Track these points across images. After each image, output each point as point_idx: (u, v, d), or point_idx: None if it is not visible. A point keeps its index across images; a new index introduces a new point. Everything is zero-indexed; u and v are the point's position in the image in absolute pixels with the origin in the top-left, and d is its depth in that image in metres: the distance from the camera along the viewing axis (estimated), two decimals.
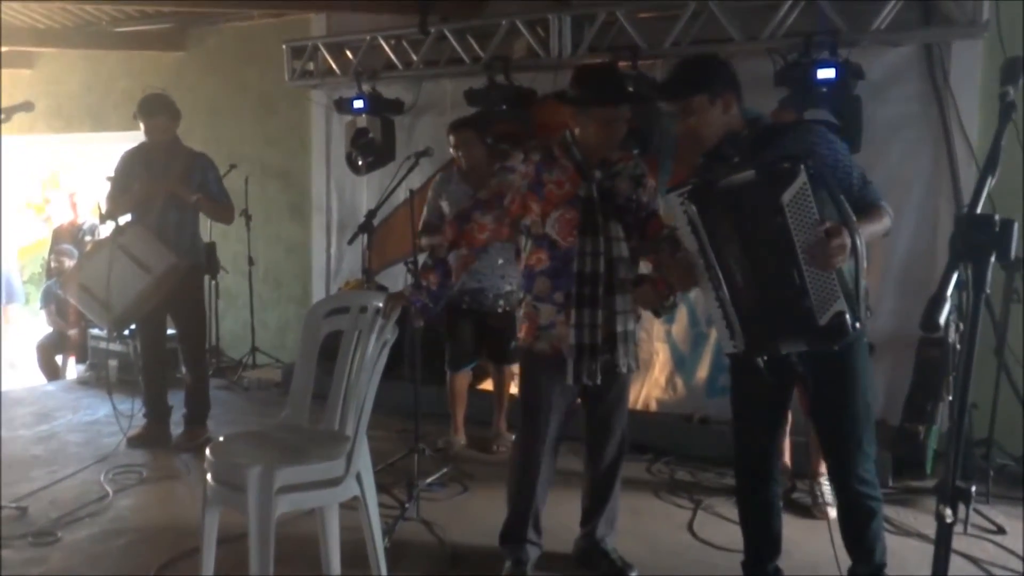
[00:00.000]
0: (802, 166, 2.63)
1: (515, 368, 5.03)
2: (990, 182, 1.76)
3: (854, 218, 2.67)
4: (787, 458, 4.66)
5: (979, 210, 1.70)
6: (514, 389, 5.34)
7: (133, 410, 5.31)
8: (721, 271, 2.84)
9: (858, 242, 2.66)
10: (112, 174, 5.35)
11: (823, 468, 4.45)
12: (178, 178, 5.20)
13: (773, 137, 2.91)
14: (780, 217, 2.66)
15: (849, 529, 3.13)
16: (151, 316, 5.28)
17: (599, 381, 3.32)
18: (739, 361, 3.07)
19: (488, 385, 5.71)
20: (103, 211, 5.30)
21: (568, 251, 3.28)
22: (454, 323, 5.22)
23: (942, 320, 1.61)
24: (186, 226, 5.33)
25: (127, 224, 5.18)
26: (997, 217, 1.65)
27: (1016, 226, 1.63)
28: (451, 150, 5.25)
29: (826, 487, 4.41)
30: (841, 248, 2.62)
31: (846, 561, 3.20)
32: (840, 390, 3.01)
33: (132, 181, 5.20)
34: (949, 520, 1.65)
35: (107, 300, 4.89)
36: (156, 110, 5.22)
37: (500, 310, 5.15)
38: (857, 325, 2.72)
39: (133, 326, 5.58)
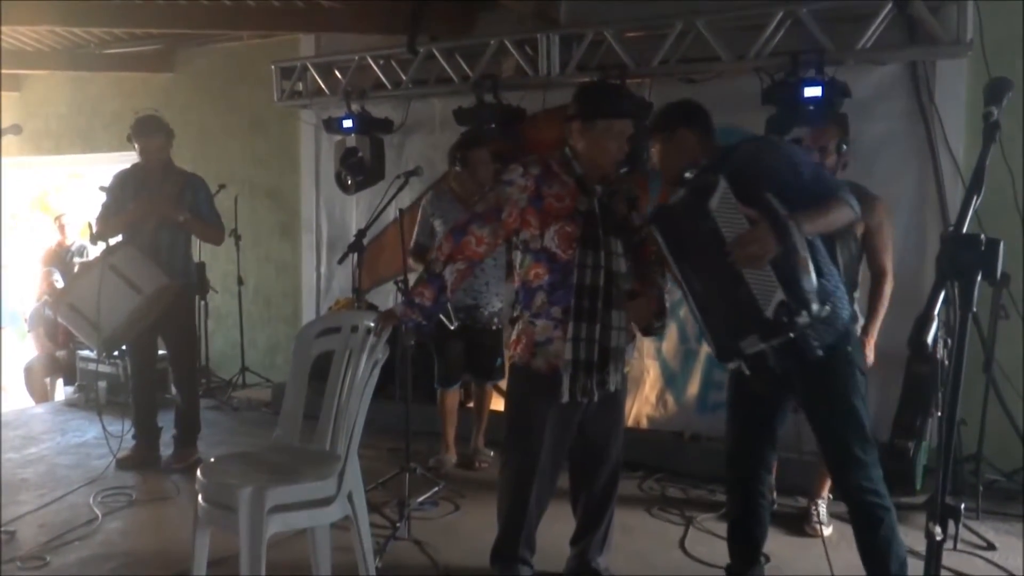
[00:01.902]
0: (721, 176, 2.85)
1: (500, 384, 5.05)
2: (975, 201, 1.78)
3: (783, 213, 2.80)
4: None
5: (965, 229, 1.72)
6: (495, 406, 5.36)
7: (123, 431, 5.28)
8: (685, 283, 3.05)
9: (791, 235, 2.78)
10: (105, 193, 5.34)
11: (825, 490, 4.48)
12: (169, 198, 5.19)
13: (724, 157, 3.10)
14: (711, 223, 2.86)
15: (860, 541, 3.18)
16: (142, 337, 5.25)
17: (596, 398, 3.31)
18: (733, 372, 3.23)
19: None
20: (94, 231, 5.28)
21: (567, 264, 3.26)
22: (444, 340, 5.21)
23: (929, 339, 1.62)
24: (178, 247, 5.33)
25: (117, 244, 5.15)
26: (983, 236, 1.66)
27: (1002, 245, 1.65)
28: (456, 167, 5.20)
29: (823, 507, 4.43)
30: (754, 241, 2.79)
31: None
32: (823, 398, 3.13)
33: (125, 202, 5.20)
34: (938, 538, 1.66)
35: (96, 321, 4.86)
36: (152, 130, 5.23)
37: (494, 327, 5.17)
38: (805, 315, 2.80)
39: (124, 347, 5.56)
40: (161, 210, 5.16)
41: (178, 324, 5.35)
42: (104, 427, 5.26)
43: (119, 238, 5.21)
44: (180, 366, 5.48)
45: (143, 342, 5.33)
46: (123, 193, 5.25)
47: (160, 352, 5.63)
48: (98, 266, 5.01)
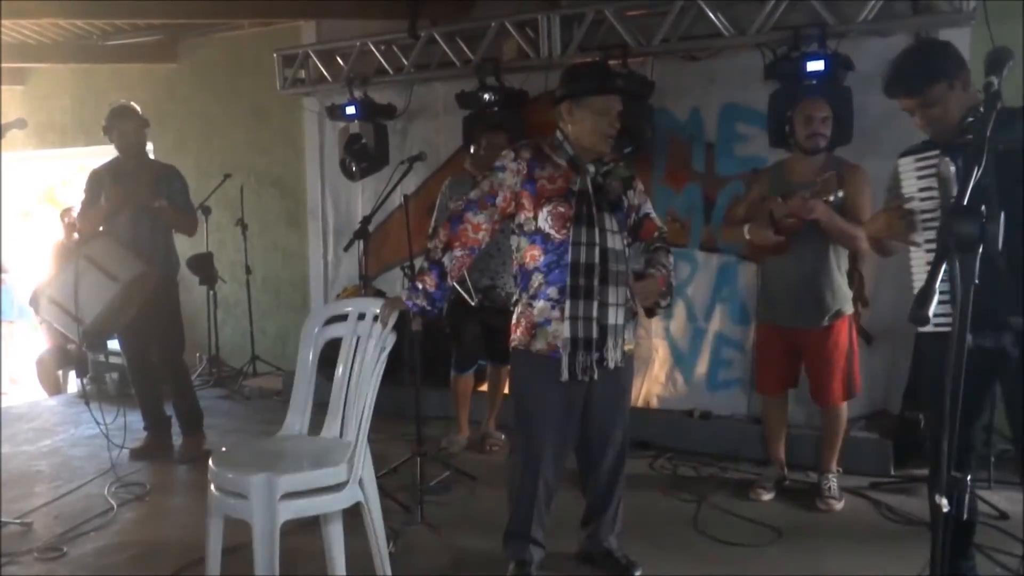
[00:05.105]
0: None
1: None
2: (976, 173, 1.77)
3: None
4: (781, 448, 4.69)
5: (966, 201, 1.71)
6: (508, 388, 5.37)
7: (123, 423, 5.21)
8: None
9: None
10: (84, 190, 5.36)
11: (834, 464, 4.49)
12: (145, 187, 5.20)
13: (1012, 118, 2.68)
14: None
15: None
16: (133, 330, 5.26)
17: (595, 376, 3.32)
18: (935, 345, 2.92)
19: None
20: (77, 227, 5.26)
21: (562, 244, 3.27)
22: (460, 324, 5.23)
23: (931, 313, 1.61)
24: (157, 237, 5.33)
25: (93, 235, 5.17)
26: (984, 208, 1.65)
27: (1003, 218, 1.64)
28: (479, 151, 5.20)
29: (834, 482, 4.43)
30: None
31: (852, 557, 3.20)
32: None
33: (102, 195, 5.23)
34: (944, 509, 1.66)
35: (76, 312, 4.81)
36: (126, 115, 5.29)
37: (511, 308, 5.15)
38: None
39: (115, 338, 5.56)
40: (136, 198, 5.17)
41: (162, 314, 5.32)
42: (96, 420, 5.08)
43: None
44: (167, 356, 5.48)
45: (133, 334, 5.34)
46: (100, 187, 5.27)
47: None
48: (73, 257, 4.97)
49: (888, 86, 2.99)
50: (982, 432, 2.85)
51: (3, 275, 8.14)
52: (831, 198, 4.01)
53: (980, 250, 1.62)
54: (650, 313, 3.45)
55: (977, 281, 2.48)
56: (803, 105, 4.35)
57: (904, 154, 2.96)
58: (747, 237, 4.30)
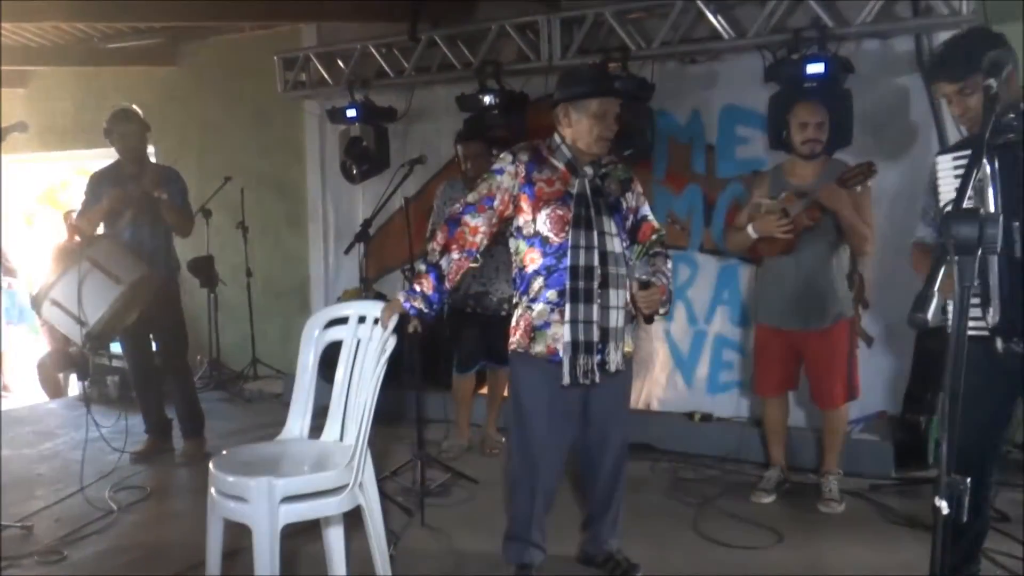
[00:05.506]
0: None
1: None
2: (975, 174, 1.77)
3: None
4: (782, 450, 4.69)
5: (965, 204, 1.71)
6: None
7: (124, 426, 5.23)
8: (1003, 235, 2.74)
9: None
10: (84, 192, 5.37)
11: (834, 466, 4.49)
12: (148, 184, 5.20)
13: None
14: None
15: None
16: (135, 334, 5.28)
17: (597, 380, 3.31)
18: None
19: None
20: (76, 228, 5.25)
21: (561, 247, 3.26)
22: (459, 326, 5.23)
23: (929, 316, 1.61)
24: (158, 240, 5.35)
25: (95, 236, 5.17)
26: (982, 210, 1.65)
27: (1001, 219, 1.64)
28: (459, 160, 5.27)
29: (835, 484, 4.43)
30: None
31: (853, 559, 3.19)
32: None
33: (103, 198, 5.23)
34: (944, 512, 1.66)
35: (80, 314, 4.78)
36: (128, 119, 5.30)
37: (503, 313, 5.16)
38: None
39: (117, 342, 5.56)
40: (140, 191, 5.16)
41: (165, 317, 5.34)
42: (96, 422, 5.07)
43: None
44: (170, 358, 5.50)
45: (135, 338, 5.36)
46: (100, 190, 5.27)
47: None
48: (77, 259, 4.93)
49: (930, 70, 2.98)
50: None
51: (7, 277, 8.15)
52: (858, 188, 4.03)
53: (983, 253, 1.61)
54: (648, 320, 3.45)
55: (1008, 288, 2.54)
56: (797, 110, 4.36)
57: (942, 152, 2.94)
58: (754, 236, 4.30)
